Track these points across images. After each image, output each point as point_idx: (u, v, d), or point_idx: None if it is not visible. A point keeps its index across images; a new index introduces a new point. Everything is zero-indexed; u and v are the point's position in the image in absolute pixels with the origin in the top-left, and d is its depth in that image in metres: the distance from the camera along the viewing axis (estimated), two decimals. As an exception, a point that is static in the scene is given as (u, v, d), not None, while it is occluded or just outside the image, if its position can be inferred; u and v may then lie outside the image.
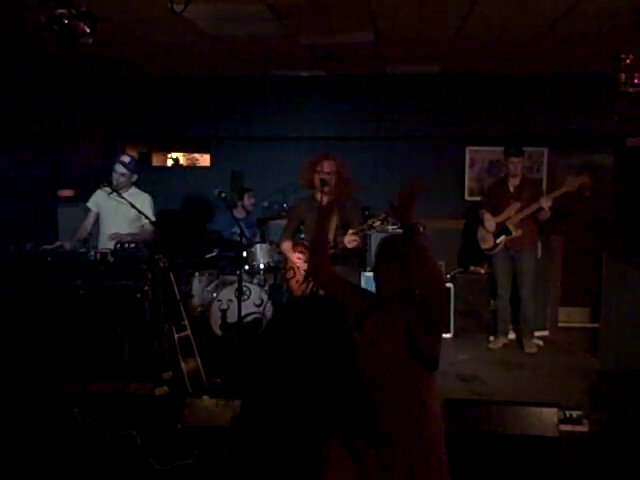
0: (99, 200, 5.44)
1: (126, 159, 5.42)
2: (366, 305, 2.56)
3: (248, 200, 6.61)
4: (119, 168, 5.33)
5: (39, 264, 4.90)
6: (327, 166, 4.60)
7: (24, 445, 3.78)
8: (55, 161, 6.73)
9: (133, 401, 4.42)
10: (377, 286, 2.56)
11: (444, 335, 6.99)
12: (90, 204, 5.50)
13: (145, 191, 5.47)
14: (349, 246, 4.43)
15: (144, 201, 5.30)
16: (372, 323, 2.49)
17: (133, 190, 5.37)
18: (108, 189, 5.24)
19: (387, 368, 2.39)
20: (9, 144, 6.02)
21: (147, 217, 5.10)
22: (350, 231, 4.45)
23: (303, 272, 4.59)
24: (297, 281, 4.70)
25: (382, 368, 2.39)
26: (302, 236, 5.05)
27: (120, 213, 5.28)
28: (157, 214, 5.46)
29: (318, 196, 4.56)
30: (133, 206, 5.08)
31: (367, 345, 2.39)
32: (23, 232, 5.62)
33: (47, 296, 4.86)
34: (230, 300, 5.55)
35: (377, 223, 4.35)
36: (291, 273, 4.82)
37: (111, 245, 4.98)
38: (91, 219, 5.48)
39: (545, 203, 5.85)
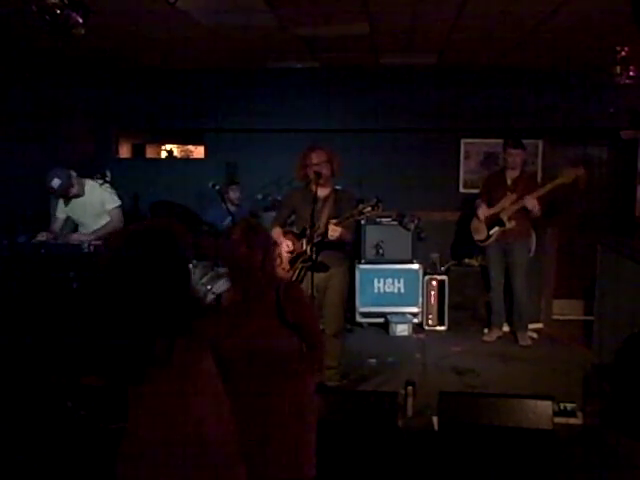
0: (65, 205, 5.55)
1: (51, 183, 5.27)
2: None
3: (233, 194, 6.60)
4: (56, 196, 5.45)
5: (32, 257, 4.89)
6: (316, 157, 4.58)
7: (17, 437, 3.77)
8: (48, 153, 6.68)
9: (126, 394, 4.40)
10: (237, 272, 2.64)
11: (438, 328, 7.04)
12: (58, 213, 5.57)
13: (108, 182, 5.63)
14: (331, 237, 4.36)
15: (104, 191, 5.47)
16: (232, 313, 2.58)
17: (89, 186, 5.46)
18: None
19: (266, 341, 2.59)
20: (1, 136, 5.98)
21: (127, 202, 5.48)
22: (332, 221, 4.37)
23: (288, 260, 4.59)
24: (283, 269, 4.65)
25: (259, 343, 2.59)
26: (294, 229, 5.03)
27: (88, 211, 5.48)
28: (152, 205, 5.48)
29: (312, 187, 4.54)
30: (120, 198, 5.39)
31: (237, 331, 2.60)
32: (16, 225, 5.59)
33: (40, 288, 4.84)
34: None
35: (367, 209, 4.28)
36: (277, 261, 4.77)
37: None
38: (59, 224, 5.56)
39: (529, 203, 5.81)
